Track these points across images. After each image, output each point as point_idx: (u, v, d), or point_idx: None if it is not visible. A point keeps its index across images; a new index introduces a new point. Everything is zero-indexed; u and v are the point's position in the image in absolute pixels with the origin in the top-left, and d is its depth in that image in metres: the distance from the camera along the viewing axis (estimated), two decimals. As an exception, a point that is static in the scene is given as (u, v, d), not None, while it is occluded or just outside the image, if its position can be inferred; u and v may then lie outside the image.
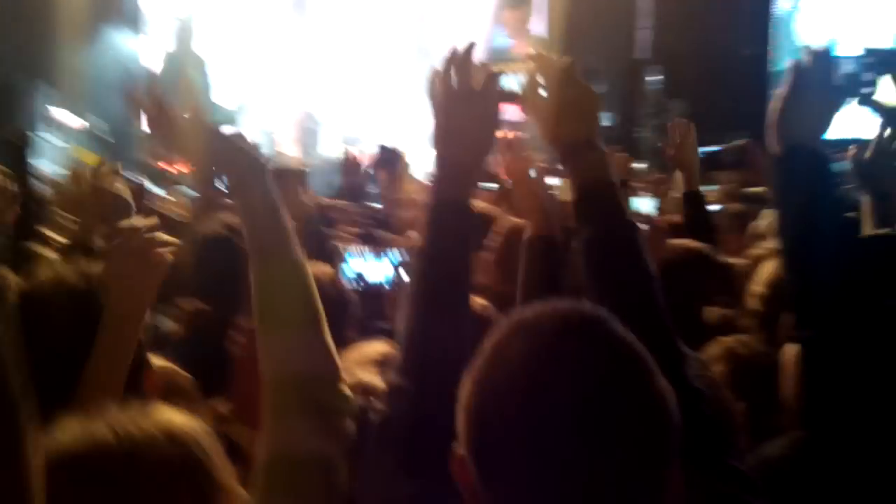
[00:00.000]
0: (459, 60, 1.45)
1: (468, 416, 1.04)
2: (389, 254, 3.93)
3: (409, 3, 14.88)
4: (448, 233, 1.43)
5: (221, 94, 14.62)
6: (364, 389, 1.75)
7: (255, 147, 1.49)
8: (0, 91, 11.98)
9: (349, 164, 6.59)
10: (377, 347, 2.23)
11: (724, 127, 9.39)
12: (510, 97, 1.56)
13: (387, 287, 3.67)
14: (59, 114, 13.11)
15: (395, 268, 3.66)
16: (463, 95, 1.43)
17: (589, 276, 1.50)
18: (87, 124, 13.35)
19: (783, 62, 11.57)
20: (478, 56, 1.46)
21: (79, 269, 1.78)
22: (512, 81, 1.57)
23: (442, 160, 1.45)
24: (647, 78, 11.18)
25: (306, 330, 1.39)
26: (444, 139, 1.44)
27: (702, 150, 9.09)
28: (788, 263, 1.69)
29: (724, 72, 11.03)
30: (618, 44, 11.87)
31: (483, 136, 1.46)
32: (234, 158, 1.47)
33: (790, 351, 2.06)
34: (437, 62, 1.47)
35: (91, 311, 1.67)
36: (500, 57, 12.17)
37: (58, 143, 12.78)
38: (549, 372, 0.99)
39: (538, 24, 13.96)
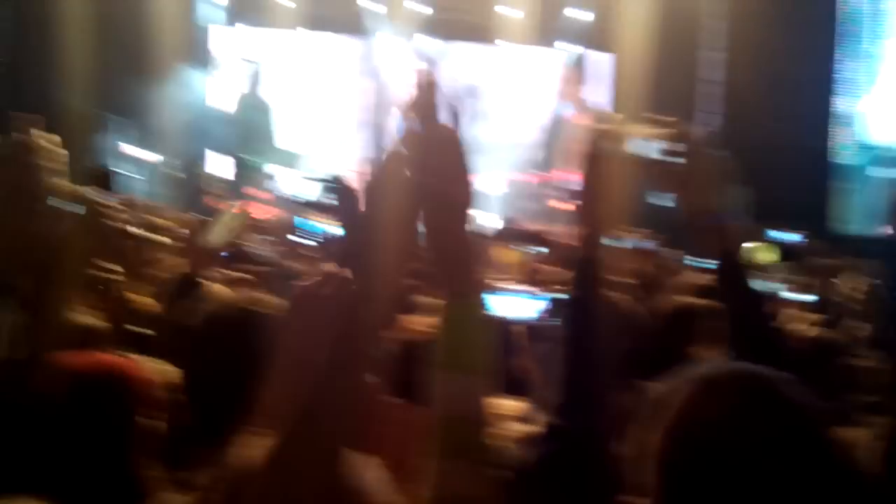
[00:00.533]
0: (608, 129, 1.62)
1: (662, 469, 1.07)
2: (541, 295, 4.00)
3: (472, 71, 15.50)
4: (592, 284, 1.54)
5: (286, 137, 14.98)
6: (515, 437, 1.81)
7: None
8: (76, 124, 12.19)
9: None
10: (513, 404, 2.26)
11: (785, 216, 10.04)
12: (646, 162, 1.57)
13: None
14: (133, 149, 13.37)
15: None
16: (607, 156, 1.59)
17: (737, 347, 1.54)
18: (159, 159, 13.58)
19: (844, 156, 12.37)
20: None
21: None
22: (646, 147, 1.56)
23: (587, 221, 1.59)
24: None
25: (483, 375, 1.42)
26: (588, 201, 1.60)
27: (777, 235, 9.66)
28: None
29: (786, 162, 11.48)
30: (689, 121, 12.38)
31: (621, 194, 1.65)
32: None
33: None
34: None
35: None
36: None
37: (132, 176, 13.07)
38: (745, 432, 1.04)
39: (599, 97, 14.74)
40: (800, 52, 11.74)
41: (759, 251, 7.75)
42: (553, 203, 13.24)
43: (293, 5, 14.07)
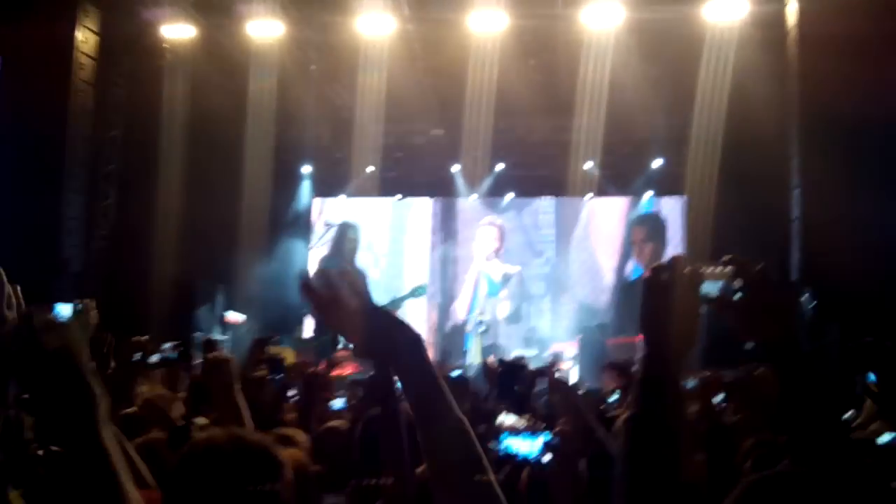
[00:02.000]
0: (672, 265, 1.59)
1: None
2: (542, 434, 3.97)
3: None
4: (656, 404, 1.53)
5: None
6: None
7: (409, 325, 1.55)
8: (185, 293, 12.95)
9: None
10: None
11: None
12: (708, 300, 1.60)
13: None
14: (232, 315, 14.06)
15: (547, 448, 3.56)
16: (670, 288, 1.56)
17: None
18: (244, 318, 14.20)
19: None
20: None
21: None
22: (711, 286, 1.62)
23: (651, 342, 1.58)
24: (802, 300, 11.11)
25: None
26: (653, 324, 1.58)
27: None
28: None
29: (877, 297, 10.79)
30: (771, 265, 11.86)
31: (688, 326, 1.58)
32: (393, 335, 1.55)
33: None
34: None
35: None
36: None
37: (223, 339, 13.74)
38: None
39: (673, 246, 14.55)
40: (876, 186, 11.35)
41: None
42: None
43: (374, 172, 14.89)
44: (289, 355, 10.22)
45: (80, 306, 3.23)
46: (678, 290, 1.58)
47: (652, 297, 1.60)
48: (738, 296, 1.60)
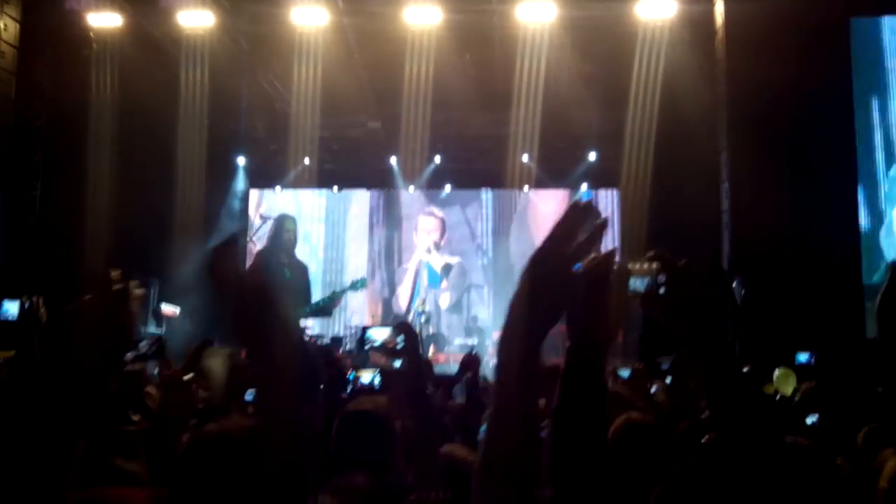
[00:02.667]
0: (605, 260, 1.58)
1: None
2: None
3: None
4: (580, 396, 1.58)
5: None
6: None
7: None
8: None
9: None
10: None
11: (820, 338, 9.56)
12: (635, 295, 1.63)
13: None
14: (167, 307, 13.85)
15: None
16: (605, 284, 1.57)
17: None
18: (178, 310, 13.99)
19: (872, 276, 11.84)
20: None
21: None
22: (637, 282, 1.64)
23: (577, 335, 1.61)
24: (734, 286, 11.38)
25: None
26: (582, 318, 1.59)
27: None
28: None
29: (814, 285, 11.09)
30: (702, 255, 12.14)
31: (613, 320, 1.59)
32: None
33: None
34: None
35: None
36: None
37: (156, 332, 13.54)
38: None
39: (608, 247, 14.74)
40: (821, 175, 11.66)
41: (780, 380, 7.41)
42: None
43: (310, 165, 14.75)
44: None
45: (27, 303, 3.17)
46: (610, 286, 1.61)
47: (586, 292, 1.59)
48: (662, 291, 1.63)
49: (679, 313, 1.59)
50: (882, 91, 12.29)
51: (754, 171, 11.37)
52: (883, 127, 12.37)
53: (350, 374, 5.57)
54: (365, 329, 9.54)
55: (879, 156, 12.40)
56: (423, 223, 15.95)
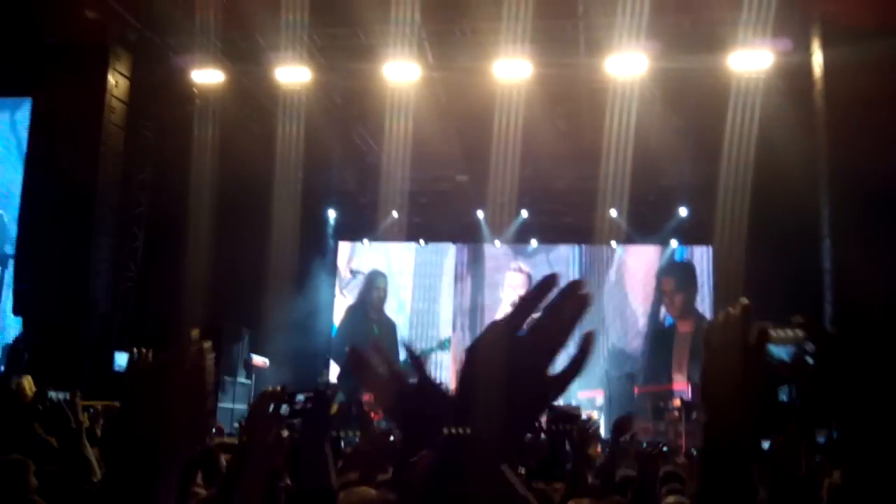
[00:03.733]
0: (736, 317, 1.46)
1: None
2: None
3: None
4: (724, 480, 1.44)
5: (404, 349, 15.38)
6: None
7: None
8: (211, 336, 12.92)
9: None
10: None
11: None
12: (780, 364, 1.49)
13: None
14: (257, 358, 14.07)
15: None
16: (736, 348, 1.44)
17: None
18: (268, 362, 14.19)
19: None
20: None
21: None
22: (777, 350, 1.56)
23: (711, 407, 1.47)
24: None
25: None
26: (714, 387, 1.46)
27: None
28: None
29: None
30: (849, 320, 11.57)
31: (752, 389, 1.45)
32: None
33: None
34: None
35: None
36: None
37: (245, 383, 13.75)
38: None
39: (702, 305, 14.35)
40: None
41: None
42: (673, 415, 12.65)
43: (399, 218, 14.94)
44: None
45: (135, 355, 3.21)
46: (745, 349, 1.47)
47: (717, 356, 1.48)
48: (811, 361, 1.49)
49: (832, 386, 1.45)
50: None
51: (857, 226, 10.89)
52: None
53: None
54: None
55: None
56: (509, 279, 15.87)
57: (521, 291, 15.44)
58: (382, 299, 16.07)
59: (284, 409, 2.13)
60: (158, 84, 12.34)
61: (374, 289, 15.90)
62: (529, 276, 15.80)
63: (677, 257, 15.27)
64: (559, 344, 1.06)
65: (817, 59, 11.25)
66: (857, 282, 10.90)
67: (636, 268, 15.41)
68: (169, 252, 12.49)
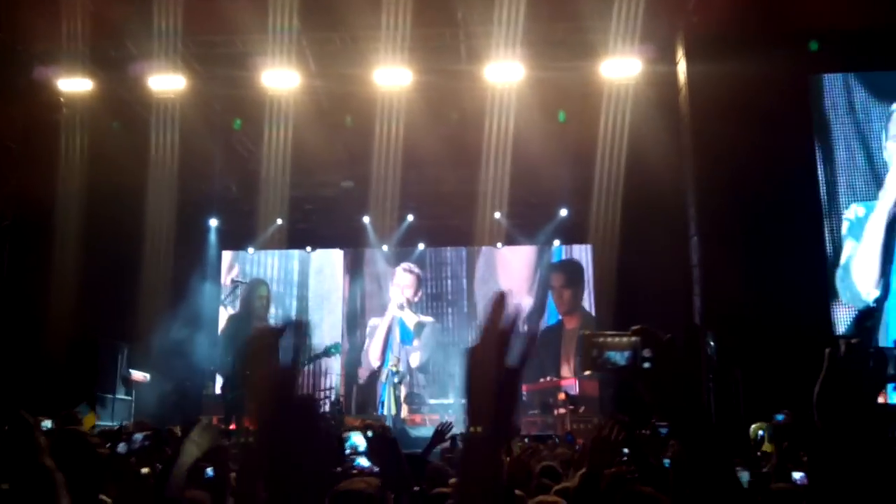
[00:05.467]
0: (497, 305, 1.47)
1: None
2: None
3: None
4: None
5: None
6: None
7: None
8: (86, 352, 12.45)
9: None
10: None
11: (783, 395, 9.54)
12: (615, 370, 1.62)
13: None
14: (136, 374, 13.59)
15: None
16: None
17: None
18: (148, 377, 13.74)
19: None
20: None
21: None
22: (618, 356, 1.63)
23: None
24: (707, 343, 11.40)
25: None
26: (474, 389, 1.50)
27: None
28: None
29: (782, 340, 11.07)
30: (675, 310, 12.19)
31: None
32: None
33: None
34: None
35: None
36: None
37: (125, 398, 13.28)
38: None
39: (587, 301, 14.91)
40: (789, 226, 11.80)
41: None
42: (560, 410, 13.04)
43: (283, 225, 14.76)
44: (87, 420, 9.94)
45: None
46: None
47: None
48: (646, 365, 1.64)
49: (664, 389, 1.62)
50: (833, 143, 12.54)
51: (723, 224, 11.53)
52: (840, 172, 12.58)
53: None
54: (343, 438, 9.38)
55: (843, 200, 12.57)
56: (399, 278, 15.93)
57: (410, 292, 15.62)
58: (266, 307, 15.83)
59: (122, 447, 2.12)
60: (22, 92, 11.72)
61: (256, 297, 15.64)
62: (419, 278, 15.92)
63: (555, 258, 15.76)
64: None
65: (682, 68, 11.86)
66: (722, 276, 11.57)
67: (516, 266, 15.80)
68: (37, 266, 11.93)
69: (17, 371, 10.98)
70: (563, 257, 15.78)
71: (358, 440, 8.72)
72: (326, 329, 15.62)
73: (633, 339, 1.64)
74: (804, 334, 11.31)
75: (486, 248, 15.37)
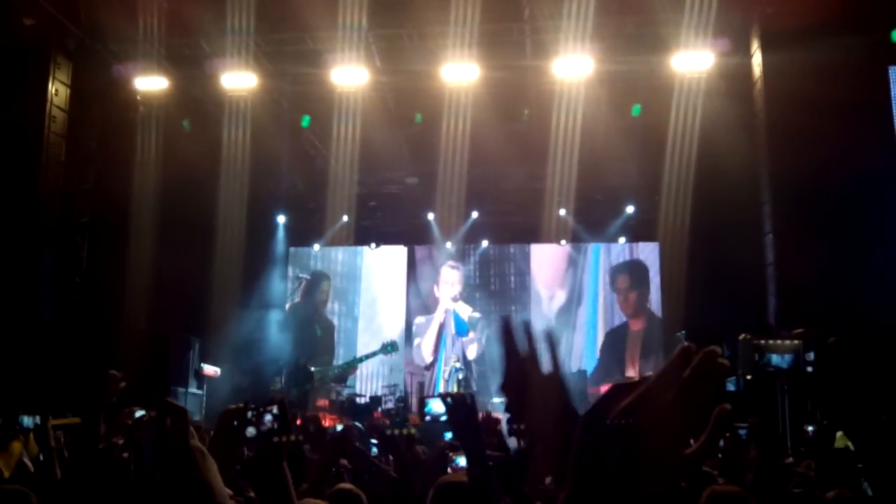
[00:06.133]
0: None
1: None
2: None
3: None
4: None
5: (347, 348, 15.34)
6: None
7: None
8: (158, 346, 12.73)
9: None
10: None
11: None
12: (778, 373, 1.62)
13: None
14: (207, 368, 13.83)
15: None
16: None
17: None
18: (219, 371, 13.97)
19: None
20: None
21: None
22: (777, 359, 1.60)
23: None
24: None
25: None
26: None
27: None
28: None
29: (862, 341, 10.73)
30: (747, 311, 11.92)
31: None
32: None
33: None
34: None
35: None
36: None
37: (196, 392, 13.53)
38: None
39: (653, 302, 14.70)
40: (866, 225, 11.47)
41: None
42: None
43: (349, 221, 14.89)
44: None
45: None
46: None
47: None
48: (809, 369, 1.62)
49: (831, 391, 1.57)
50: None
51: (799, 222, 11.22)
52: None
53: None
54: (425, 399, 9.40)
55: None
56: (444, 275, 15.94)
57: (459, 287, 15.59)
58: (325, 301, 15.98)
59: (251, 431, 2.13)
60: (100, 91, 12.08)
61: (317, 291, 15.79)
62: (462, 272, 15.91)
63: (628, 264, 15.50)
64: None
65: (757, 60, 11.57)
66: (798, 275, 11.25)
67: (584, 266, 15.66)
68: (114, 262, 12.27)
69: (93, 365, 11.30)
70: (629, 256, 15.55)
71: (436, 406, 8.66)
72: (387, 326, 15.70)
73: (796, 342, 1.59)
74: (886, 334, 10.96)
75: (552, 244, 15.22)
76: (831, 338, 1.56)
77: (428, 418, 8.55)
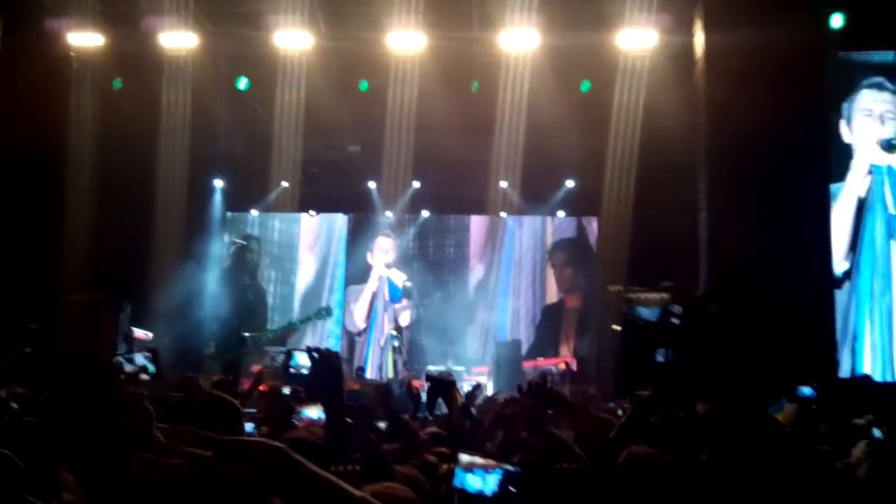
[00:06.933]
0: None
1: None
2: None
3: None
4: None
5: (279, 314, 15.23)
6: None
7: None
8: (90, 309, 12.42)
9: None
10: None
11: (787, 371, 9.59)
12: (645, 325, 1.64)
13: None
14: (139, 332, 13.59)
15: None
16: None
17: None
18: (150, 335, 13.75)
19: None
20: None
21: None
22: (649, 312, 1.64)
23: None
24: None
25: None
26: None
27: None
28: None
29: (786, 315, 11.12)
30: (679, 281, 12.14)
31: None
32: None
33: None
34: None
35: None
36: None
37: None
38: None
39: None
40: (798, 204, 11.78)
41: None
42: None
43: (289, 187, 14.69)
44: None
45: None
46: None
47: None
48: (676, 322, 1.61)
49: (694, 345, 1.58)
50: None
51: (732, 200, 11.48)
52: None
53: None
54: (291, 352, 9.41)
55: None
56: (380, 243, 15.98)
57: (392, 255, 15.63)
58: (256, 264, 15.78)
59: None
60: (31, 47, 11.60)
61: (247, 252, 15.58)
62: (395, 241, 15.97)
63: (564, 241, 15.67)
64: None
65: (699, 40, 11.75)
66: (729, 251, 11.57)
67: (523, 239, 15.80)
68: (46, 224, 11.91)
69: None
70: (570, 230, 15.73)
71: (302, 359, 8.65)
72: (324, 294, 15.69)
73: (664, 295, 1.62)
74: (807, 312, 11.36)
75: (494, 216, 15.32)
76: (697, 292, 1.64)
77: (292, 370, 8.71)
